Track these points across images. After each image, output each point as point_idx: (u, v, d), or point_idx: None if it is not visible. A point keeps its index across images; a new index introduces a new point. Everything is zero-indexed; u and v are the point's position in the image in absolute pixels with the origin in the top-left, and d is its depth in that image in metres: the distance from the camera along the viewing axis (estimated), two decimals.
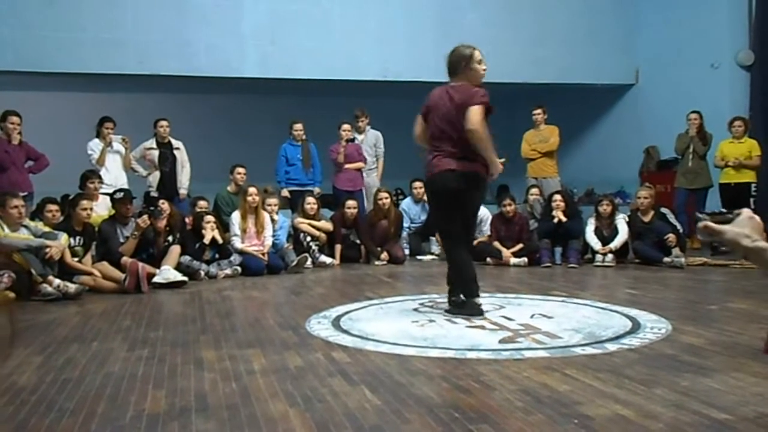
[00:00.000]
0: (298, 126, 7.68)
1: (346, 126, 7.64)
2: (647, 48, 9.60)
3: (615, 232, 6.40)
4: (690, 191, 7.54)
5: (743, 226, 1.39)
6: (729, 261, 6.15)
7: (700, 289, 5.14)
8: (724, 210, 6.57)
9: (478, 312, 3.87)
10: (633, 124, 9.81)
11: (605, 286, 5.21)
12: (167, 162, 7.27)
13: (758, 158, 7.29)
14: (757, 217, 1.43)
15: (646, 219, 6.42)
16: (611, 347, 3.08)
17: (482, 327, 3.60)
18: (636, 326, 3.52)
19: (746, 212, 1.44)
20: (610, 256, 6.30)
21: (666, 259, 6.10)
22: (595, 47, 9.41)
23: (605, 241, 6.39)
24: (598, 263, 6.28)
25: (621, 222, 6.46)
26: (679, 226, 6.40)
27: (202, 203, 6.90)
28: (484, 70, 3.96)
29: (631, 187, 8.92)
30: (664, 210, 6.51)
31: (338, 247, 6.99)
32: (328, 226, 6.98)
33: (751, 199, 7.32)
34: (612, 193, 8.00)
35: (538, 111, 7.99)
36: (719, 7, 8.60)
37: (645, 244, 6.31)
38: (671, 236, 6.16)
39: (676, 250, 6.14)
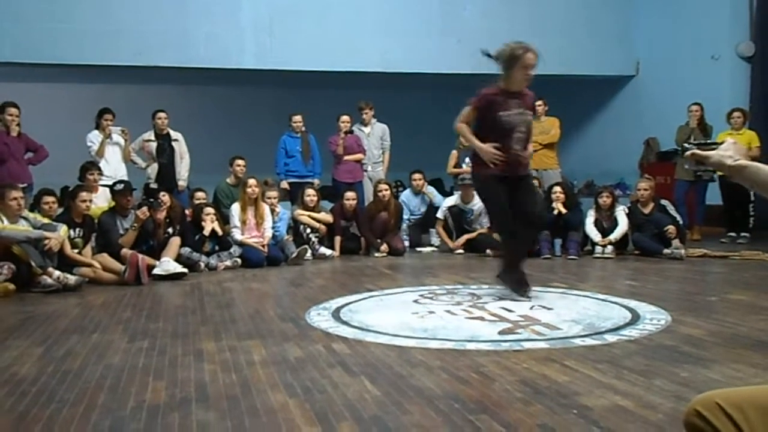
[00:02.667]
0: (298, 118, 7.65)
1: (345, 117, 7.60)
2: (647, 39, 9.57)
3: (615, 224, 6.39)
4: (690, 183, 7.52)
5: (727, 149, 1.57)
6: (728, 252, 6.16)
7: (700, 280, 5.15)
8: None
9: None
10: (633, 116, 9.78)
11: (605, 278, 5.21)
12: (165, 154, 7.24)
13: (758, 149, 7.25)
14: (739, 143, 1.63)
15: (646, 211, 6.41)
16: (611, 338, 3.09)
17: (482, 318, 3.61)
18: (635, 317, 3.52)
19: (729, 140, 1.64)
20: (609, 248, 6.29)
21: (666, 251, 6.09)
22: (595, 39, 9.38)
23: (605, 233, 6.38)
24: (597, 255, 6.27)
25: (621, 214, 6.45)
26: (679, 218, 6.39)
27: (199, 194, 6.88)
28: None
29: (631, 178, 8.90)
30: (664, 202, 6.49)
31: (338, 239, 6.98)
32: (327, 218, 6.97)
33: (751, 191, 7.31)
34: (612, 185, 7.97)
35: (539, 103, 7.91)
36: None
37: (645, 236, 6.30)
38: (671, 228, 6.15)
39: (675, 242, 6.13)
